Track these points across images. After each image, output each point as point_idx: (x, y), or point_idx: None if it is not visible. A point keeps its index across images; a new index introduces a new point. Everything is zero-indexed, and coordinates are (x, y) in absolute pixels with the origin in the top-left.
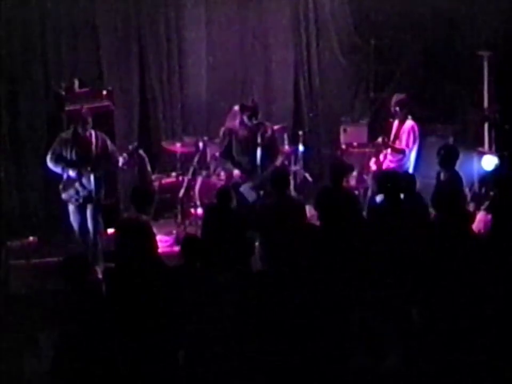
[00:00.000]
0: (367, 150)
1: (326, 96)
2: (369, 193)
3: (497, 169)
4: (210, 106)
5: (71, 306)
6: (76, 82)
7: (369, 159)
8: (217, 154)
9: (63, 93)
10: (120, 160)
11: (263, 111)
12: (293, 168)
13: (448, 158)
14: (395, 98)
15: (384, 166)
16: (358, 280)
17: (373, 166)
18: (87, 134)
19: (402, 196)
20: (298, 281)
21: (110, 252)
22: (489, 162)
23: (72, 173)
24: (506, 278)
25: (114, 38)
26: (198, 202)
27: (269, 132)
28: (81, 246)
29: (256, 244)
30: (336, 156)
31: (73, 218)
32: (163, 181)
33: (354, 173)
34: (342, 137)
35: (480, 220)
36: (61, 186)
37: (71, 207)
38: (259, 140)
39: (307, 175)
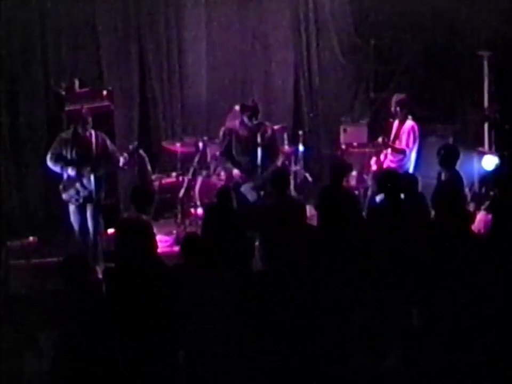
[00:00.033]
0: (367, 150)
1: (326, 96)
2: (369, 193)
3: (497, 169)
4: (210, 106)
5: (71, 306)
6: (76, 82)
7: (369, 159)
8: (217, 154)
9: (63, 93)
10: (121, 160)
11: (263, 111)
12: (293, 168)
13: (448, 158)
14: (395, 98)
15: (384, 166)
16: (358, 280)
17: (373, 166)
18: (87, 134)
19: (404, 196)
20: (298, 281)
21: (110, 251)
22: (489, 162)
23: (71, 172)
24: (506, 278)
25: (114, 38)
26: (198, 202)
27: (269, 132)
28: (81, 246)
29: (256, 243)
30: (336, 155)
31: (74, 218)
32: (163, 181)
33: (354, 173)
34: (342, 137)
35: (480, 220)
36: (61, 187)
37: (71, 207)
38: (259, 140)
39: (307, 175)
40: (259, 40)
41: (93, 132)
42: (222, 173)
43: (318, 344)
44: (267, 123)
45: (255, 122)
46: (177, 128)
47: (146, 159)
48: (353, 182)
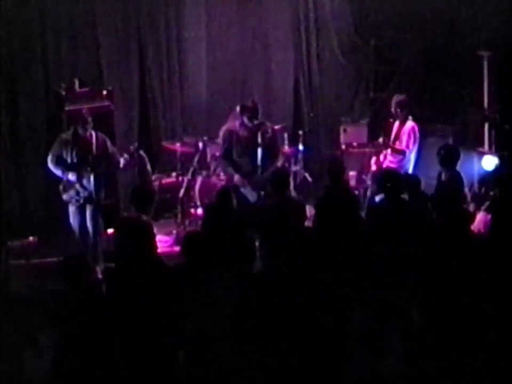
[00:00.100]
0: (367, 150)
1: (326, 96)
2: (368, 193)
3: (497, 169)
4: (210, 106)
5: (71, 306)
6: (76, 82)
7: (369, 159)
8: (217, 154)
9: (63, 93)
10: (121, 161)
11: (263, 111)
12: (293, 168)
13: (448, 158)
14: (395, 99)
15: (383, 167)
16: (359, 280)
17: (373, 166)
18: (87, 134)
19: (407, 196)
20: (298, 281)
21: (110, 251)
22: (489, 162)
23: (71, 177)
24: (506, 278)
25: (114, 38)
26: (198, 202)
27: (270, 132)
28: (81, 246)
29: (256, 244)
30: (335, 155)
31: (74, 218)
32: (163, 181)
33: (354, 173)
34: (342, 137)
35: (480, 220)
36: (61, 187)
37: (71, 208)
38: (259, 140)
39: (307, 175)
40: (259, 40)
41: (93, 133)
42: (222, 173)
43: (318, 344)
44: (267, 123)
45: (255, 122)
46: (177, 128)
47: (146, 159)
48: (352, 182)
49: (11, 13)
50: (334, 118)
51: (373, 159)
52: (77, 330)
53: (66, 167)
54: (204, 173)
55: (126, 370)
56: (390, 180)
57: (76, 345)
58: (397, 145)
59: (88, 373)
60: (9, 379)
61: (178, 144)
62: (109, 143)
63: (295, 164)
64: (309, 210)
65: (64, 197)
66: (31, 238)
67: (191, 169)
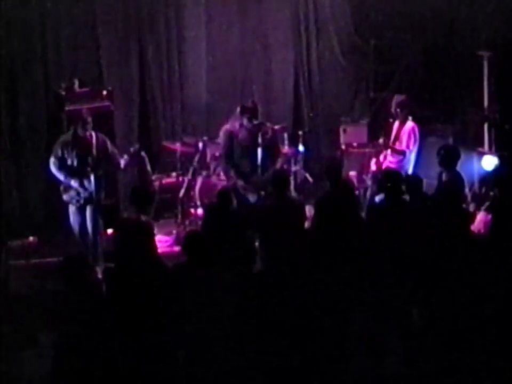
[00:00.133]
0: (366, 150)
1: (326, 96)
2: (368, 193)
3: (497, 169)
4: (210, 106)
5: (71, 306)
6: (76, 82)
7: (369, 159)
8: (217, 154)
9: (63, 93)
10: (122, 162)
11: (263, 111)
12: (293, 168)
13: (448, 158)
14: (395, 99)
15: (383, 167)
16: (359, 280)
17: (373, 167)
18: (87, 134)
19: (408, 197)
20: (298, 281)
21: (110, 252)
22: (489, 162)
23: (74, 184)
24: (506, 278)
25: (114, 38)
26: (198, 203)
27: (270, 132)
28: (81, 246)
29: (256, 244)
30: (333, 155)
31: (74, 219)
32: (163, 181)
33: (354, 173)
34: (342, 138)
35: (480, 220)
36: (61, 188)
37: (71, 208)
38: (260, 141)
39: (307, 175)
40: (259, 40)
41: (93, 133)
42: (222, 173)
43: (318, 344)
44: (267, 123)
45: (255, 122)
46: (177, 128)
47: (146, 159)
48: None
49: (11, 13)
50: (334, 118)
51: (373, 159)
52: (77, 330)
53: (69, 173)
54: (204, 173)
55: (126, 370)
56: (390, 180)
57: (76, 345)
58: (397, 146)
59: (88, 373)
60: (9, 379)
61: (178, 144)
62: (109, 144)
63: (295, 164)
64: (309, 210)
65: (65, 197)
66: (31, 238)
67: (191, 169)
